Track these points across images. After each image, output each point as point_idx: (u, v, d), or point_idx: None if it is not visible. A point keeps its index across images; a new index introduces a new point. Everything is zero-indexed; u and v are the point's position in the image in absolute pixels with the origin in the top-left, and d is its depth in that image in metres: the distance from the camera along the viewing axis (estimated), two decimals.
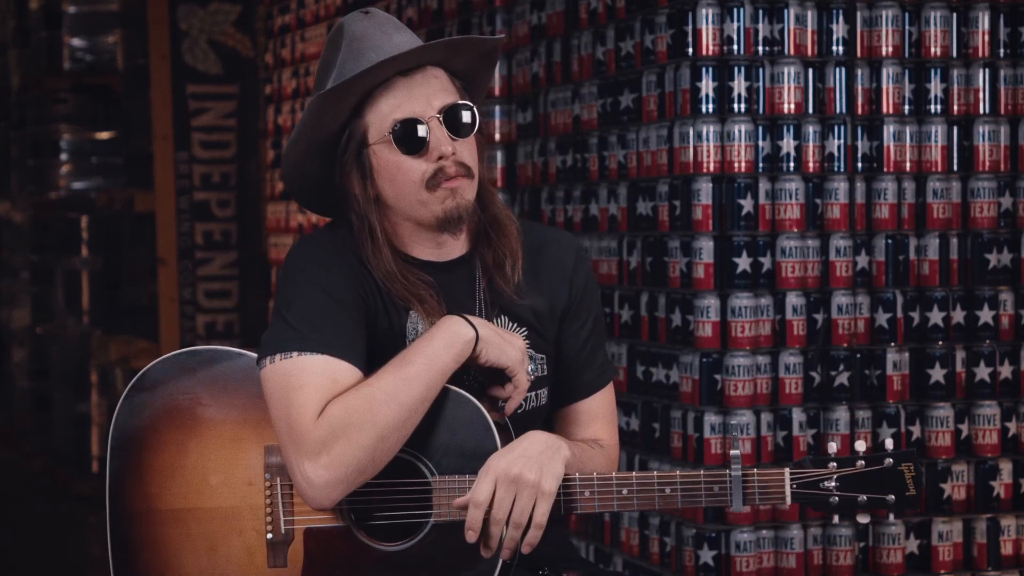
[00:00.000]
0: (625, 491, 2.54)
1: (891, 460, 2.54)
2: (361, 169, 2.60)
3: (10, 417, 10.32)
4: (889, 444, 2.58)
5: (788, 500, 2.55)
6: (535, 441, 2.53)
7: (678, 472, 2.55)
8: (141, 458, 2.60)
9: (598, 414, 2.74)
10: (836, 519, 2.59)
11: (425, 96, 2.57)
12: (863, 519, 2.57)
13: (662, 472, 2.56)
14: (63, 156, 8.97)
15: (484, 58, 2.68)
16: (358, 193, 2.60)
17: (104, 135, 8.96)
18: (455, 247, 2.66)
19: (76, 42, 8.65)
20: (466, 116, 2.60)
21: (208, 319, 7.94)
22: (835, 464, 2.54)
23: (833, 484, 2.54)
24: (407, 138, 2.56)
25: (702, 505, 2.58)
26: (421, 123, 2.56)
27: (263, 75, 7.23)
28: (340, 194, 2.64)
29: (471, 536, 2.49)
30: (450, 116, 2.58)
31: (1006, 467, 4.06)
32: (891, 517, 2.59)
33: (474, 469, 2.52)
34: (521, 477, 2.48)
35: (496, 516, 2.48)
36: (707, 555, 3.90)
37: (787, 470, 2.55)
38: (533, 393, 2.67)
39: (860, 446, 2.57)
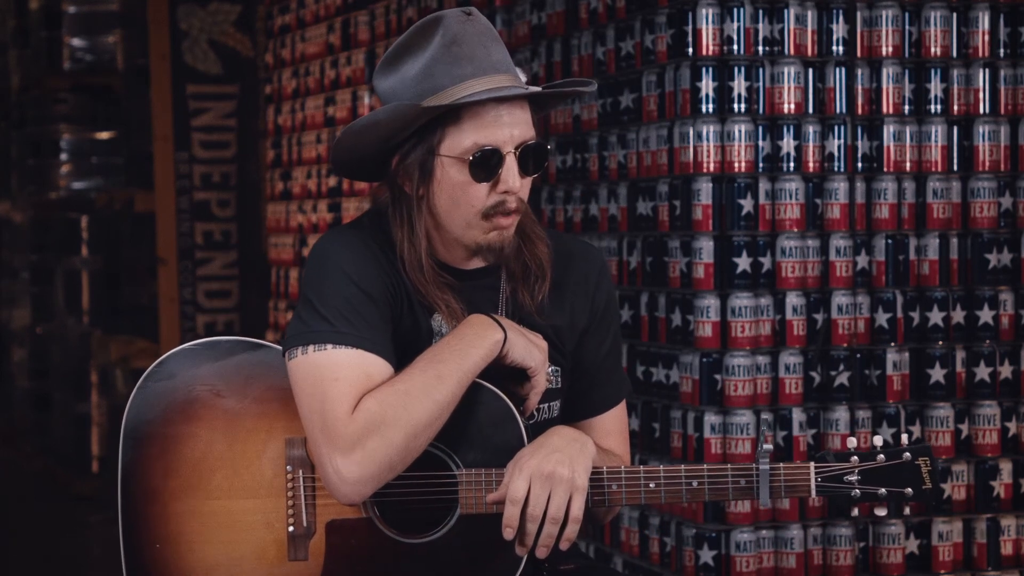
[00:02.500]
0: (652, 484, 2.55)
1: (909, 454, 2.59)
2: (422, 172, 2.58)
3: (10, 417, 10.32)
4: (905, 439, 2.62)
5: (813, 493, 2.58)
6: (563, 436, 2.55)
7: (705, 466, 2.57)
8: (156, 449, 2.59)
9: (612, 429, 2.75)
10: (856, 512, 2.62)
11: (510, 128, 2.56)
12: (880, 512, 2.61)
13: (689, 465, 2.57)
14: (63, 156, 8.97)
15: (567, 95, 2.70)
16: (409, 191, 2.59)
17: (104, 135, 8.96)
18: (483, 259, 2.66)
19: (76, 42, 8.65)
20: (539, 155, 2.60)
21: (208, 319, 7.94)
22: (857, 458, 2.58)
23: (855, 478, 2.58)
24: (484, 167, 2.54)
25: (729, 499, 2.59)
26: (501, 156, 2.55)
27: (263, 75, 7.23)
28: (389, 183, 2.63)
29: (509, 533, 2.50)
30: (526, 153, 2.58)
31: (1006, 467, 4.06)
32: (907, 510, 2.62)
33: (500, 463, 2.53)
34: (555, 473, 2.49)
35: (532, 513, 2.49)
36: (707, 555, 3.90)
37: (812, 464, 2.57)
38: (545, 405, 2.67)
39: (878, 440, 2.60)
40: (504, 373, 2.59)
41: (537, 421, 2.65)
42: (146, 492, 2.59)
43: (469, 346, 2.52)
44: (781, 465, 2.57)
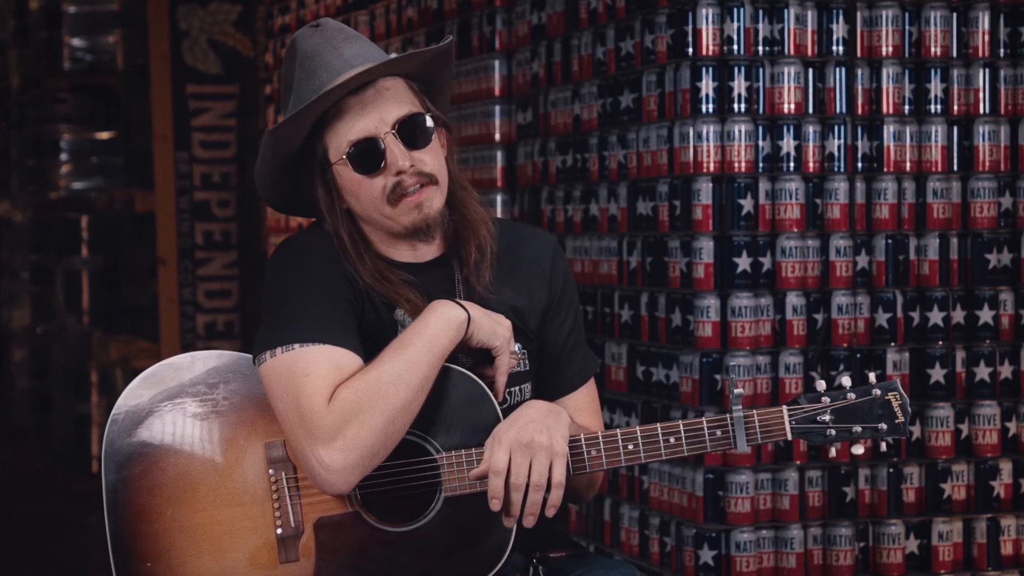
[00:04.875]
0: (631, 445, 2.58)
1: (878, 391, 2.61)
2: (326, 186, 2.64)
3: (10, 417, 10.32)
4: (872, 377, 2.64)
5: (789, 436, 2.60)
6: (537, 408, 2.58)
7: (681, 422, 2.59)
8: (138, 469, 2.60)
9: (583, 407, 2.78)
10: (833, 452, 2.63)
11: (378, 113, 2.59)
12: (858, 450, 2.62)
13: (665, 423, 2.59)
14: (63, 156, 8.97)
15: (436, 60, 2.69)
16: (327, 208, 2.65)
17: (104, 135, 8.96)
18: (431, 249, 2.69)
19: (76, 42, 8.65)
20: (422, 125, 2.61)
21: (208, 319, 7.94)
22: (828, 399, 2.60)
23: (829, 417, 2.60)
24: (362, 159, 2.59)
25: (707, 451, 2.61)
26: (375, 141, 2.58)
27: (263, 75, 7.23)
28: (313, 206, 2.68)
29: (495, 504, 2.52)
30: (405, 128, 2.60)
31: (1006, 467, 4.06)
32: (884, 446, 2.63)
33: (479, 443, 2.55)
34: (534, 441, 2.52)
35: (516, 482, 2.51)
36: (707, 555, 3.90)
37: (785, 407, 2.60)
38: (516, 388, 2.70)
39: (846, 380, 2.63)
40: (472, 358, 2.62)
41: (510, 404, 2.67)
42: (132, 512, 2.59)
43: (435, 330, 2.55)
44: (755, 411, 2.59)
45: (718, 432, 2.58)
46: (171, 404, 2.61)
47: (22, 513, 7.82)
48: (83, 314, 8.88)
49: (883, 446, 2.65)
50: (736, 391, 2.58)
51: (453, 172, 2.68)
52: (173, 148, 7.89)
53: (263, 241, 7.22)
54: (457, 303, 2.59)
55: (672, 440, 2.58)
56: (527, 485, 2.51)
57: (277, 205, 2.79)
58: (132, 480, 2.60)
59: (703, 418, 2.59)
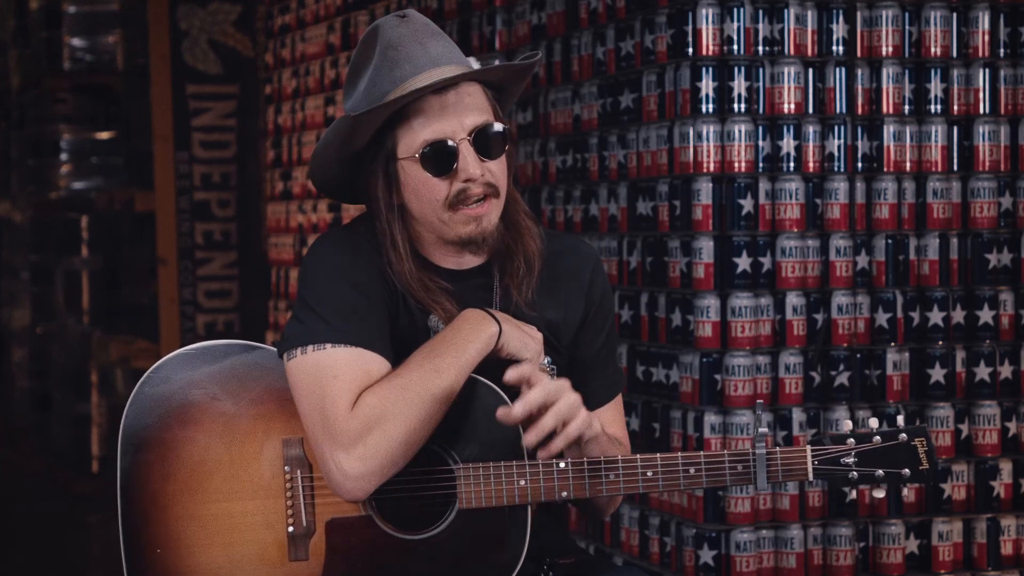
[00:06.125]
0: (650, 473, 2.56)
1: (905, 435, 2.59)
2: (387, 180, 2.61)
3: (10, 417, 10.32)
4: (901, 420, 2.63)
5: (811, 476, 2.58)
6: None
7: (702, 453, 2.57)
8: (154, 454, 2.60)
9: (609, 422, 2.75)
10: (853, 494, 2.62)
11: (457, 116, 2.57)
12: (879, 493, 2.61)
13: (686, 453, 2.58)
14: (63, 156, 8.97)
15: (518, 73, 2.69)
16: (382, 202, 2.62)
17: (104, 135, 8.96)
18: (476, 256, 2.67)
19: (76, 42, 8.65)
20: (498, 137, 2.60)
21: (208, 319, 7.94)
22: (853, 440, 2.59)
23: (852, 460, 2.58)
24: (436, 160, 2.56)
25: (726, 485, 2.60)
26: (451, 145, 2.56)
27: (263, 75, 7.23)
28: (364, 198, 2.66)
29: (521, 409, 2.48)
30: (481, 137, 2.58)
31: (1006, 467, 4.06)
32: (905, 491, 2.62)
33: (497, 458, 2.54)
34: (565, 386, 2.50)
35: (550, 401, 2.47)
36: (707, 555, 3.90)
37: (809, 447, 2.58)
38: None
39: (874, 423, 2.61)
40: (501, 367, 2.60)
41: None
42: (145, 497, 2.59)
43: (465, 340, 2.54)
44: (778, 449, 2.58)
45: (739, 467, 2.56)
46: (193, 392, 2.60)
47: (22, 513, 7.82)
48: (83, 314, 8.88)
49: (904, 492, 2.64)
50: (761, 430, 2.56)
51: (509, 184, 2.66)
52: (173, 148, 7.89)
53: (263, 241, 7.22)
54: (489, 313, 2.58)
55: (692, 471, 2.56)
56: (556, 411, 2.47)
57: (329, 193, 2.76)
58: (148, 465, 2.59)
59: (725, 451, 2.58)
